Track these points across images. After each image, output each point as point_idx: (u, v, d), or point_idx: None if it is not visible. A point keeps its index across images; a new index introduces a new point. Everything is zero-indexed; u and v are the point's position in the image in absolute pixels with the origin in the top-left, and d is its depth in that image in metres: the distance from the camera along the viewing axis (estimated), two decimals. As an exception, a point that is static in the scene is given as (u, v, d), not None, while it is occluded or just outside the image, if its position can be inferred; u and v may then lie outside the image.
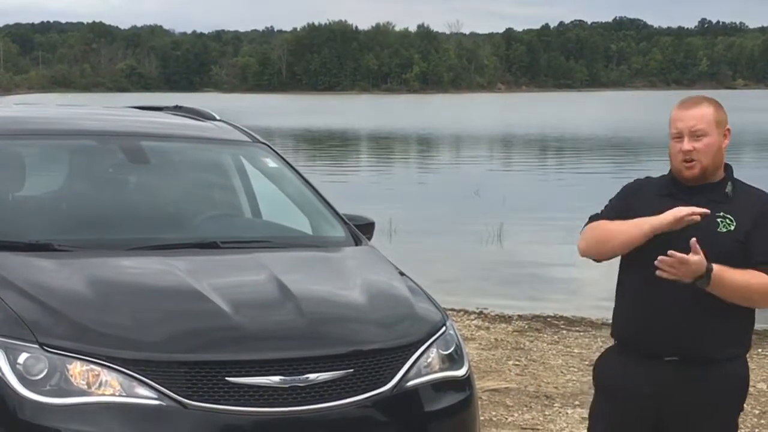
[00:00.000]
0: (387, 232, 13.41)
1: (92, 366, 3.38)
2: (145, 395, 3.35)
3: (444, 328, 3.96)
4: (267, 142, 5.30)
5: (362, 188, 20.67)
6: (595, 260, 3.48)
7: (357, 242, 4.65)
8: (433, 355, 3.83)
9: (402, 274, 4.34)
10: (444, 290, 9.09)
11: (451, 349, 3.94)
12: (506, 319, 9.22)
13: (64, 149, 4.95)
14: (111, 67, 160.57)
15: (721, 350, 3.30)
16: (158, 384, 3.35)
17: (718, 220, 3.28)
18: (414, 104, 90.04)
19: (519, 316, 9.34)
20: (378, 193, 19.75)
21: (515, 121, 54.39)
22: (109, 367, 3.38)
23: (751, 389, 6.74)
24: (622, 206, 3.45)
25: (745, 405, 6.31)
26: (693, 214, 3.23)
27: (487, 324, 8.93)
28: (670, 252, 3.15)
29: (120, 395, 3.35)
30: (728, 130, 3.37)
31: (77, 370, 3.38)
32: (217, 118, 5.43)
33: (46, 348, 3.40)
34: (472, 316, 9.26)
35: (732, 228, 3.27)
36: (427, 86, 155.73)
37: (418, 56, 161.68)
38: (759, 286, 3.23)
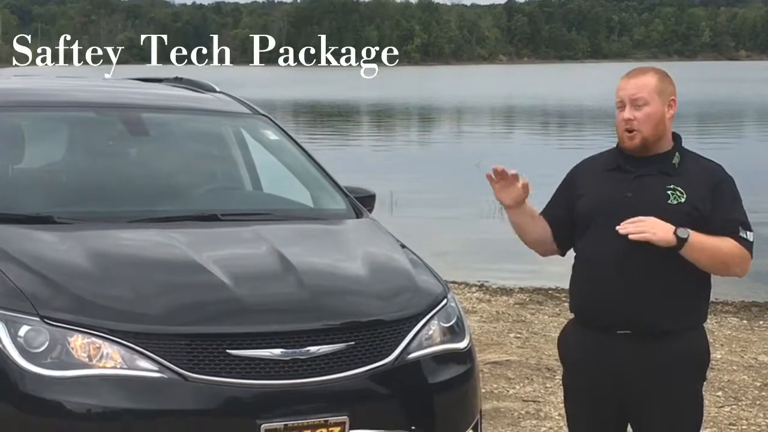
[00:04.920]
0: (388, 204, 13.39)
1: (93, 339, 3.38)
2: (146, 368, 3.35)
3: (445, 301, 3.96)
4: (267, 114, 5.27)
5: (363, 160, 20.62)
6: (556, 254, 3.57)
7: (358, 215, 4.63)
8: (435, 328, 3.82)
9: (403, 246, 4.33)
10: (445, 263, 9.09)
11: (453, 321, 3.93)
12: (507, 291, 9.23)
13: (64, 121, 4.93)
14: (111, 39, 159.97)
15: (674, 322, 3.28)
16: (159, 356, 3.35)
17: (669, 192, 3.28)
18: (415, 76, 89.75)
19: (520, 288, 9.35)
20: (379, 166, 19.71)
21: (517, 92, 54.22)
22: (110, 339, 3.37)
23: (752, 361, 6.78)
24: (565, 194, 3.47)
25: (745, 377, 6.37)
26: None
27: (488, 297, 8.94)
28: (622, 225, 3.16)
29: (121, 368, 3.35)
30: (673, 100, 3.35)
31: (78, 342, 3.38)
32: (218, 89, 5.40)
33: (46, 321, 3.40)
34: (474, 289, 9.27)
35: (683, 200, 3.26)
36: (428, 58, 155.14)
37: (419, 28, 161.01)
38: (729, 250, 3.23)
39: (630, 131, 3.30)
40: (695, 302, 3.35)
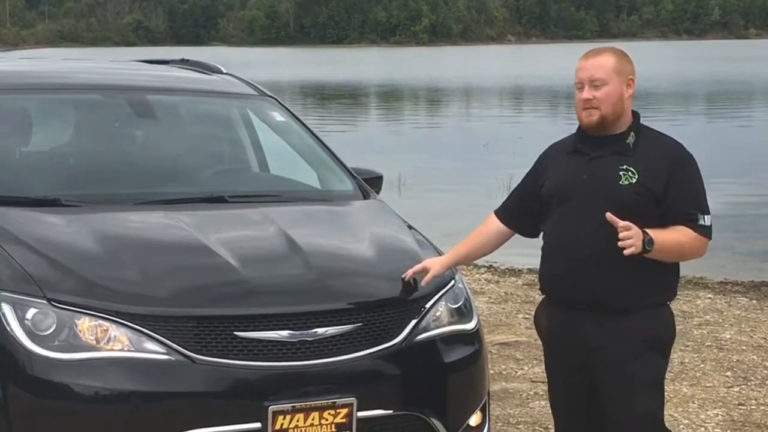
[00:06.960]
0: (396, 185, 13.39)
1: (101, 321, 3.38)
2: (153, 350, 3.35)
3: (453, 282, 3.95)
4: (274, 96, 5.25)
5: (371, 141, 20.59)
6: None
7: (365, 196, 4.62)
8: (442, 309, 3.82)
9: (410, 227, 4.32)
10: (453, 244, 9.02)
11: (460, 302, 3.93)
12: (516, 272, 9.21)
13: (70, 104, 4.92)
14: (118, 21, 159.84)
15: (635, 300, 3.33)
16: (167, 339, 3.35)
17: (621, 172, 3.32)
18: (423, 57, 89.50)
19: (529, 269, 9.31)
20: (387, 147, 19.68)
21: (525, 72, 54.02)
22: (117, 322, 3.37)
23: (761, 341, 6.76)
24: (528, 186, 3.59)
25: (755, 357, 6.35)
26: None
27: (496, 278, 8.93)
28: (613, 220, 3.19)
29: (129, 350, 3.35)
30: (632, 79, 3.39)
31: (86, 325, 3.38)
32: (224, 71, 5.38)
33: (54, 303, 3.40)
34: (482, 270, 9.25)
35: (633, 180, 3.30)
36: (436, 38, 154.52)
37: (427, 8, 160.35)
38: (689, 243, 3.30)
39: (588, 109, 3.33)
40: (657, 281, 3.37)
